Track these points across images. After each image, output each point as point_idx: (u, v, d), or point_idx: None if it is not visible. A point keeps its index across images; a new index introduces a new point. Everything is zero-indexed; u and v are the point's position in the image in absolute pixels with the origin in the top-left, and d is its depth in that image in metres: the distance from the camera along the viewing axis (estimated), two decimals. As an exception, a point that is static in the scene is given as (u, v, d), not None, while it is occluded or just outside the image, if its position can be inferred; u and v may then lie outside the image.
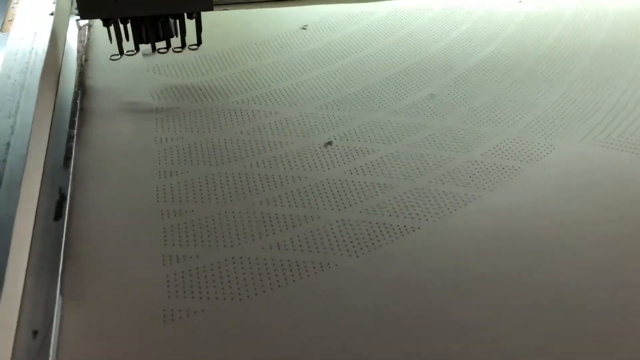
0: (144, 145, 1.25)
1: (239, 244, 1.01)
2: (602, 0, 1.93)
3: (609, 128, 1.33)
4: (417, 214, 1.08)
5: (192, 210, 1.08)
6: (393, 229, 1.05)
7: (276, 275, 0.95)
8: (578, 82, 1.50)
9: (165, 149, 1.24)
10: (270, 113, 1.37)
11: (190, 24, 1.39)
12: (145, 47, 1.42)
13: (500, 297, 0.92)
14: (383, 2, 1.90)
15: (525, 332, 0.87)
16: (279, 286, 0.93)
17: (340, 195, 1.12)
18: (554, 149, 1.27)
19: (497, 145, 1.27)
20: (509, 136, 1.30)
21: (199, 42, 1.46)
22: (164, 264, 0.96)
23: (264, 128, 1.32)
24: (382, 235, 1.03)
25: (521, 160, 1.23)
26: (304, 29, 1.74)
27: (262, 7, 1.90)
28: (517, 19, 1.81)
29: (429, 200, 1.12)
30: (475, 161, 1.23)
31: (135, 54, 1.43)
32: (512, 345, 0.85)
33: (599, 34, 1.73)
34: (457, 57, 1.61)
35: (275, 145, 1.26)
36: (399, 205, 1.10)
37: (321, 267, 0.97)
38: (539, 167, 1.21)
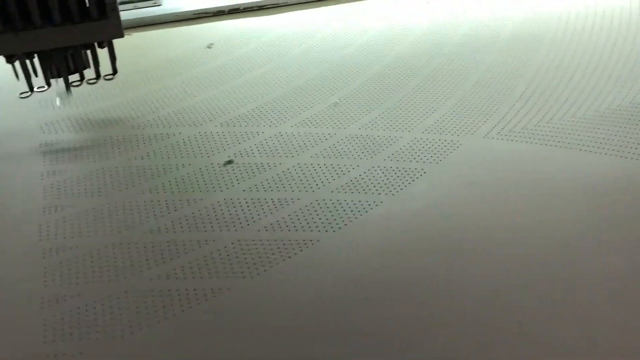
0: (28, 180, 1.17)
1: (125, 278, 0.95)
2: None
3: (512, 122, 1.33)
4: (317, 227, 1.05)
5: (77, 246, 1.01)
6: (291, 244, 1.01)
7: (164, 307, 0.89)
8: (481, 80, 1.50)
9: (52, 184, 1.17)
10: (168, 135, 1.32)
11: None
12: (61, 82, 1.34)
13: (404, 301, 0.89)
14: (285, 14, 1.88)
15: (431, 340, 0.83)
16: (166, 319, 0.88)
17: (237, 215, 1.08)
18: (457, 147, 1.25)
19: (400, 149, 1.25)
20: (413, 138, 1.28)
21: (115, 72, 1.39)
22: (42, 307, 0.90)
23: (160, 151, 1.26)
24: (280, 252, 0.99)
25: (424, 162, 1.21)
26: (209, 47, 1.70)
27: (165, 28, 1.85)
28: (421, 23, 1.81)
29: (330, 211, 1.08)
30: (379, 167, 1.20)
31: (47, 89, 1.34)
32: (417, 353, 0.81)
33: (504, 29, 1.74)
34: (360, 65, 1.60)
35: (171, 168, 1.21)
36: (298, 219, 1.06)
37: (213, 293, 0.92)
38: (442, 166, 1.20)
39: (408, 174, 1.18)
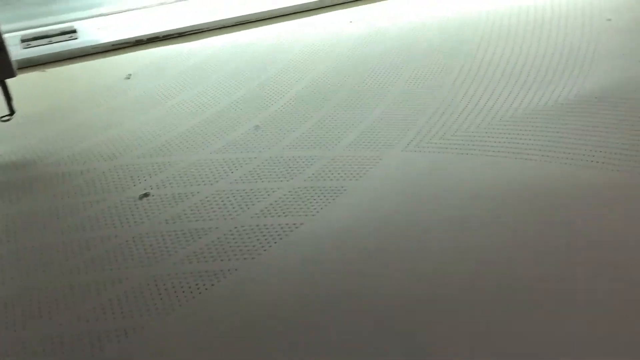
0: None
1: (38, 322, 0.90)
2: (424, 17, 1.99)
3: (431, 132, 1.34)
4: (236, 255, 1.03)
5: (-20, 297, 0.96)
6: (209, 275, 0.98)
7: (72, 351, 0.85)
8: (401, 94, 1.51)
9: (-45, 232, 1.11)
10: (82, 172, 1.27)
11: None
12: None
13: (328, 325, 0.87)
14: (207, 39, 1.87)
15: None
16: (74, 366, 0.84)
17: (152, 250, 1.05)
18: (377, 162, 1.25)
19: (321, 168, 1.25)
20: (334, 157, 1.28)
21: (12, 112, 1.35)
22: None
23: (74, 189, 1.22)
24: (197, 284, 0.97)
25: (345, 179, 1.21)
26: (127, 78, 1.67)
27: (83, 61, 1.81)
28: (344, 40, 1.82)
29: (249, 238, 1.06)
30: (300, 188, 1.19)
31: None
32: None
33: (421, 43, 1.77)
34: (282, 86, 1.59)
35: (85, 206, 1.17)
36: (216, 249, 1.04)
37: (125, 334, 0.88)
38: (363, 182, 1.19)
39: (329, 193, 1.17)
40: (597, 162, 1.19)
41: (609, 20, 1.82)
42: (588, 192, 1.12)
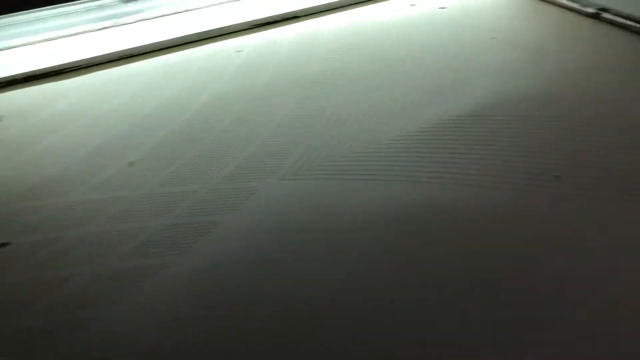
0: None
1: None
2: (310, 44, 2.01)
3: (310, 159, 1.34)
4: (98, 302, 0.97)
5: None
6: (68, 325, 0.93)
7: None
8: (282, 122, 1.50)
9: None
10: None
11: None
12: None
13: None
14: (85, 76, 1.81)
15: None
16: None
17: (6, 301, 0.98)
18: (253, 193, 1.23)
19: (194, 203, 1.21)
20: (209, 190, 1.25)
21: None
22: None
23: None
24: (54, 335, 0.91)
25: (218, 214, 1.18)
26: (-2, 119, 1.59)
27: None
28: (227, 71, 1.81)
29: (113, 283, 1.01)
30: (171, 225, 1.15)
31: None
32: None
33: (308, 66, 1.78)
34: (161, 119, 1.56)
35: None
36: (78, 297, 0.99)
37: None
38: (237, 215, 1.17)
39: (201, 229, 1.14)
40: (473, 181, 1.22)
41: (493, 39, 1.89)
42: (467, 210, 1.15)
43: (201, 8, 2.15)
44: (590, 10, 1.97)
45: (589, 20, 1.97)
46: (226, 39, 2.02)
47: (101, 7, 2.28)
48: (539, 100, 1.51)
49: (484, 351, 0.84)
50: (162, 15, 2.14)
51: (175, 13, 2.11)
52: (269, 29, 2.07)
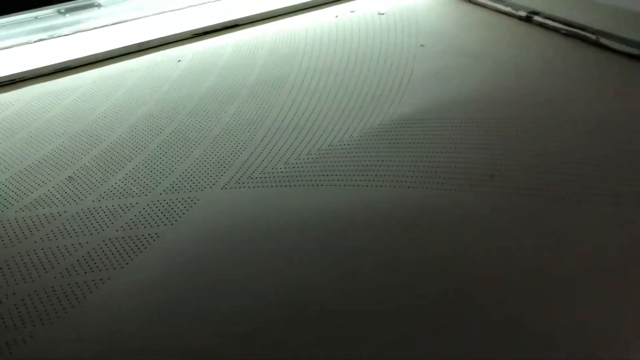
0: None
1: None
2: (255, 52, 2.01)
3: (251, 168, 1.35)
4: (32, 321, 0.95)
5: None
6: (3, 343, 0.91)
7: None
8: (223, 131, 1.50)
9: None
10: None
11: None
12: None
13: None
14: (16, 92, 1.77)
15: None
16: None
17: None
18: (194, 204, 1.23)
19: (135, 216, 1.20)
20: (149, 202, 1.24)
21: None
22: None
23: None
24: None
25: (159, 226, 1.17)
26: None
27: None
28: (170, 82, 1.80)
29: (49, 301, 1.00)
30: (109, 240, 1.14)
31: None
32: None
33: (249, 76, 1.79)
34: (101, 131, 1.54)
35: None
36: (11, 315, 0.96)
37: None
38: (177, 227, 1.17)
39: (140, 242, 1.13)
40: (410, 183, 1.26)
41: (423, 46, 1.94)
42: (404, 211, 1.18)
43: (140, 18, 2.13)
44: (522, 13, 2.04)
45: (522, 24, 2.04)
46: (166, 49, 2.00)
47: (37, 19, 2.23)
48: (473, 104, 1.56)
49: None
50: (101, 27, 2.11)
51: (114, 24, 2.09)
52: (210, 37, 2.06)
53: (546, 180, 1.23)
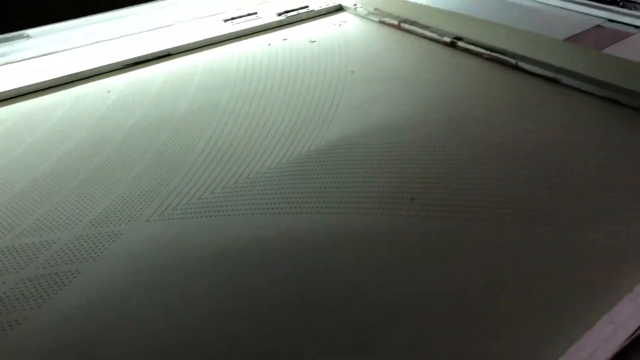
0: None
1: None
2: (187, 81, 2.02)
3: (177, 199, 1.35)
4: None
5: None
6: None
7: None
8: (150, 162, 1.50)
9: None
10: None
11: None
12: None
13: None
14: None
15: None
16: None
17: None
18: (117, 237, 1.23)
19: (56, 252, 1.19)
20: (72, 238, 1.23)
21: None
22: None
23: None
24: None
25: (80, 262, 1.16)
26: None
27: None
28: (99, 114, 1.79)
29: (-38, 344, 0.97)
30: (28, 278, 1.12)
31: None
32: None
33: (180, 105, 1.80)
34: (23, 167, 1.51)
35: None
36: None
37: None
38: (100, 263, 1.16)
39: (60, 279, 1.12)
40: (335, 209, 1.28)
41: (353, 72, 1.99)
42: (329, 237, 1.20)
43: (70, 49, 2.12)
44: (447, 39, 2.12)
45: (447, 49, 2.12)
46: (96, 80, 1.99)
47: (-37, 51, 2.19)
48: (399, 129, 1.62)
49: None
50: (30, 58, 2.09)
51: (42, 55, 2.07)
52: (141, 68, 2.07)
53: (467, 202, 1.28)
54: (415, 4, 2.35)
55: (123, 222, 1.28)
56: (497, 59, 1.97)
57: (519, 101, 1.73)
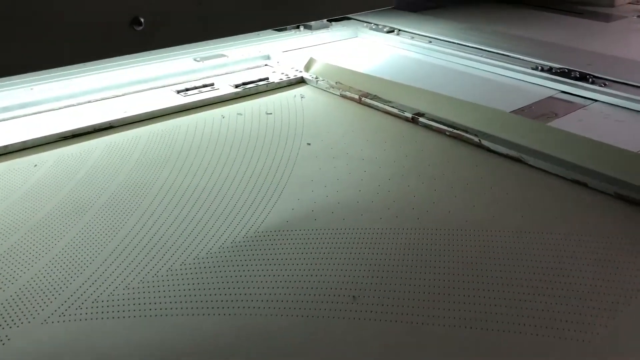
0: None
1: None
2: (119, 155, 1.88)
3: (85, 295, 1.18)
4: None
5: None
6: None
7: None
8: (61, 252, 1.33)
9: None
10: None
11: None
12: None
13: None
14: None
15: None
16: None
17: None
18: (4, 343, 1.05)
19: None
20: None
21: None
22: None
23: None
24: None
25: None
26: None
27: None
28: (23, 185, 1.63)
29: None
30: None
31: None
32: None
33: (112, 182, 1.64)
34: None
35: None
36: None
37: None
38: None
39: None
40: (265, 309, 1.12)
41: (309, 144, 1.88)
42: (257, 344, 1.04)
43: (2, 121, 1.99)
44: (408, 115, 2.02)
45: (409, 125, 2.02)
46: (27, 155, 1.84)
47: None
48: (348, 211, 1.48)
49: None
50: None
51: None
52: (78, 142, 1.92)
53: (421, 303, 1.13)
54: (375, 78, 2.26)
55: (14, 324, 1.10)
56: (460, 136, 1.86)
57: (482, 181, 1.61)
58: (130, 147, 1.88)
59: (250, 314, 1.13)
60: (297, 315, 1.13)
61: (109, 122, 2.01)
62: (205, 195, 1.58)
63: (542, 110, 2.08)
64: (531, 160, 1.69)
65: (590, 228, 1.38)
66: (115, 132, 2.00)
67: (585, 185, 1.57)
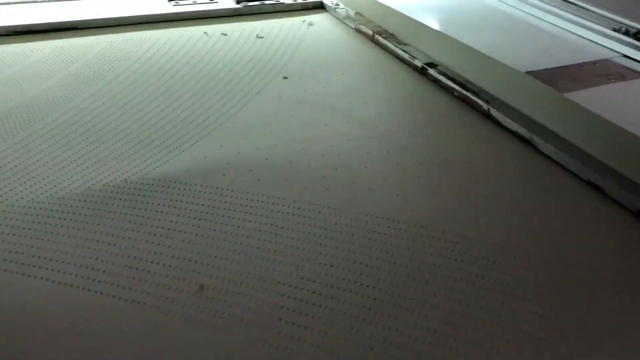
0: None
1: None
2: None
3: None
4: None
5: None
6: None
7: None
8: None
9: None
10: None
11: None
12: None
13: None
14: None
15: None
16: None
17: None
18: None
19: None
20: None
21: None
22: None
23: None
24: None
25: None
26: None
27: None
28: None
29: None
30: None
31: None
32: None
33: (31, 91, 1.41)
34: None
35: None
36: None
37: None
38: None
39: None
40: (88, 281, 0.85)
41: (285, 78, 1.55)
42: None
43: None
44: (418, 63, 1.63)
45: (416, 76, 1.63)
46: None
47: None
48: (274, 173, 1.16)
49: None
50: None
51: None
52: (33, 40, 1.70)
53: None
54: (398, 14, 1.84)
55: None
56: (468, 99, 1.46)
57: (474, 165, 1.23)
58: (73, 56, 1.63)
59: (55, 281, 0.87)
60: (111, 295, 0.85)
61: (72, 23, 1.76)
62: (109, 128, 1.30)
63: (605, 70, 1.51)
64: (542, 146, 1.27)
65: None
66: (74, 36, 1.76)
67: (602, 192, 1.15)
